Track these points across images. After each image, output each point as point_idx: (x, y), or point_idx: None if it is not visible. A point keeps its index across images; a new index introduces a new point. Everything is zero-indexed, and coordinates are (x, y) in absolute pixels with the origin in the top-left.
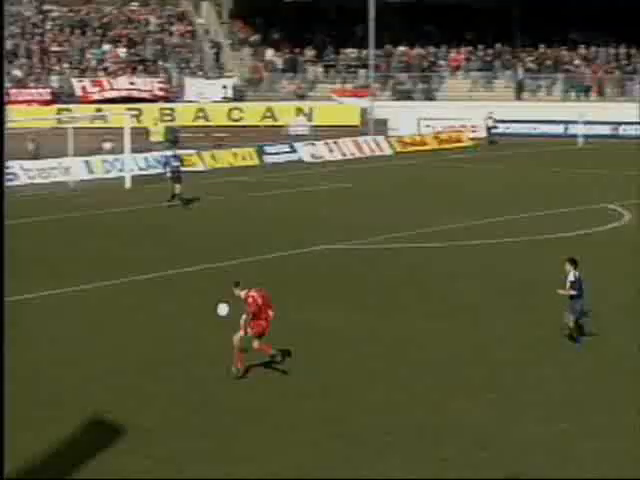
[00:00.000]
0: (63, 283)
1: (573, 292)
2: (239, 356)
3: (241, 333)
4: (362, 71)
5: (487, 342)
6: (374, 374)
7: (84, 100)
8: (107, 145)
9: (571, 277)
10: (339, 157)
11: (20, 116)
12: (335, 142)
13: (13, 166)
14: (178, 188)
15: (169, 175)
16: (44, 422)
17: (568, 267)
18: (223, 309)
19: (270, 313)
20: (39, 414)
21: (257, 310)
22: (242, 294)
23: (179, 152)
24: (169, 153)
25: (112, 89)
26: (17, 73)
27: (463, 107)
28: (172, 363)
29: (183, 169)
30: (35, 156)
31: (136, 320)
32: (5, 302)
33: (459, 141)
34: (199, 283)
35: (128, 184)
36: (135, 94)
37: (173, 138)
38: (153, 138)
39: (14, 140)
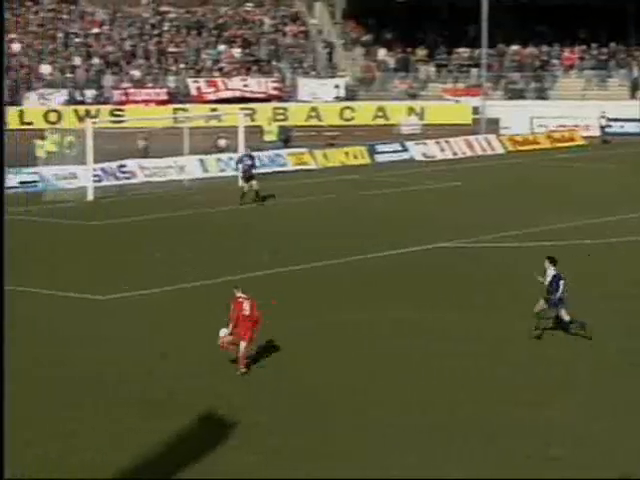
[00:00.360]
0: (174, 281)
1: (541, 279)
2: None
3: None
4: (474, 70)
5: (590, 346)
6: (479, 373)
7: (199, 100)
8: (222, 142)
9: (549, 274)
10: (450, 156)
11: (137, 115)
12: (446, 141)
13: (130, 164)
14: (253, 185)
15: (240, 174)
16: (154, 417)
17: (547, 264)
18: (223, 332)
19: (252, 325)
20: (149, 411)
21: (238, 317)
22: (237, 295)
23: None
24: (243, 153)
25: (227, 89)
26: (135, 73)
27: (576, 106)
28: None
29: (291, 167)
30: (145, 154)
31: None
32: (131, 297)
33: (572, 140)
34: (308, 281)
35: (241, 182)
36: (249, 94)
37: (285, 137)
38: (267, 137)
39: (126, 139)
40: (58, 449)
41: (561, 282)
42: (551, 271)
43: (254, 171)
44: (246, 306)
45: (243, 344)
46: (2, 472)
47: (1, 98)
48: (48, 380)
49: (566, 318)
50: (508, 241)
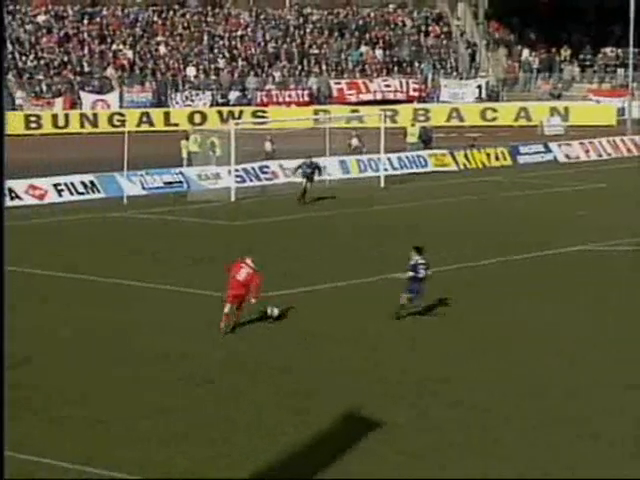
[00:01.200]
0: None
1: (411, 274)
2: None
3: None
4: (620, 70)
5: None
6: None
7: (341, 101)
8: (354, 141)
9: (412, 262)
10: (594, 157)
11: (279, 116)
12: (590, 142)
13: (272, 165)
14: (308, 186)
15: (301, 179)
16: (297, 412)
17: (412, 253)
18: (274, 311)
19: (245, 290)
20: (296, 404)
21: (232, 279)
22: (242, 261)
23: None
24: (303, 160)
25: (368, 91)
26: (278, 75)
27: None
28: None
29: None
30: (271, 156)
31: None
32: (291, 292)
33: None
34: (449, 282)
35: (382, 183)
36: (391, 96)
37: (427, 138)
38: (409, 139)
39: (257, 140)
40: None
41: None
42: (415, 259)
43: (316, 177)
44: (242, 272)
45: (229, 306)
46: (2, 472)
47: (1, 99)
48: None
49: (404, 301)
50: None
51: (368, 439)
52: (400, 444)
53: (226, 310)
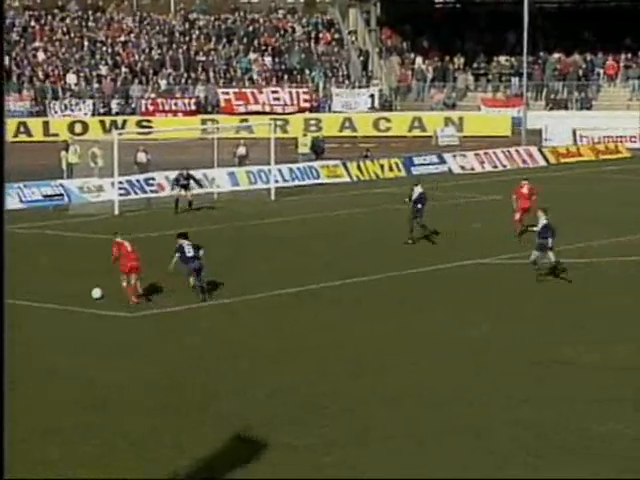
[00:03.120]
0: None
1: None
2: (129, 291)
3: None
4: (515, 79)
5: None
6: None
7: (229, 112)
8: (241, 150)
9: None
10: (489, 168)
11: (165, 126)
12: (485, 153)
13: (158, 177)
14: (188, 195)
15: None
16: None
17: (540, 214)
18: (96, 292)
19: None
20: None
21: (117, 255)
22: (117, 240)
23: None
24: (179, 172)
25: (256, 103)
26: (163, 82)
27: (621, 117)
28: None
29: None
30: (145, 168)
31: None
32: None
33: (617, 152)
34: (334, 298)
35: (273, 195)
36: (279, 110)
37: (318, 149)
38: (300, 149)
39: (154, 151)
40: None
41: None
42: (543, 220)
43: (193, 188)
44: (127, 245)
45: (134, 276)
46: (2, 472)
47: (1, 99)
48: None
49: (552, 259)
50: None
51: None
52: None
53: (124, 284)
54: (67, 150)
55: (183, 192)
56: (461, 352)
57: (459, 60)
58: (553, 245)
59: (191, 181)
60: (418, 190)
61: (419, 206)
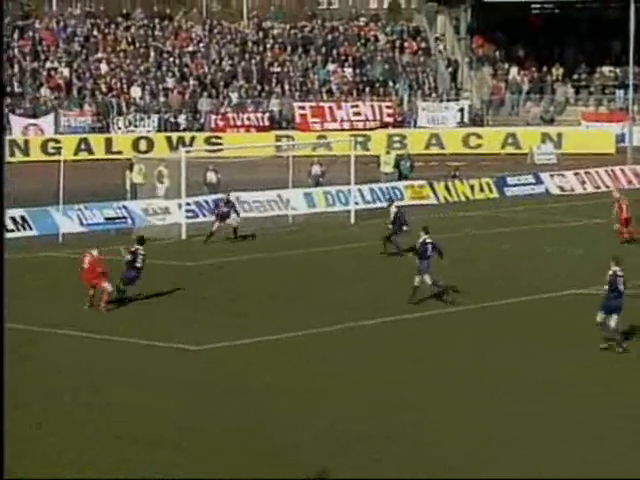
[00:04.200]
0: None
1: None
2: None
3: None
4: (619, 92)
5: None
6: None
7: (304, 129)
8: (316, 169)
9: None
10: (591, 189)
11: (236, 143)
12: (587, 172)
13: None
14: (232, 222)
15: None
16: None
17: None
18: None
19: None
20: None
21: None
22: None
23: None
24: (220, 196)
25: (334, 120)
26: (234, 96)
27: None
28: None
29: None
30: (215, 189)
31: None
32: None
33: None
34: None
35: (352, 219)
36: (360, 126)
37: (405, 169)
38: (383, 168)
39: (224, 170)
40: None
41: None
42: (423, 237)
43: (233, 215)
44: (86, 260)
45: (105, 285)
46: (2, 472)
47: (1, 100)
48: None
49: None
50: None
51: None
52: None
53: (90, 292)
54: (131, 169)
55: (219, 224)
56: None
57: (558, 71)
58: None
59: (231, 210)
60: (393, 210)
61: (404, 228)
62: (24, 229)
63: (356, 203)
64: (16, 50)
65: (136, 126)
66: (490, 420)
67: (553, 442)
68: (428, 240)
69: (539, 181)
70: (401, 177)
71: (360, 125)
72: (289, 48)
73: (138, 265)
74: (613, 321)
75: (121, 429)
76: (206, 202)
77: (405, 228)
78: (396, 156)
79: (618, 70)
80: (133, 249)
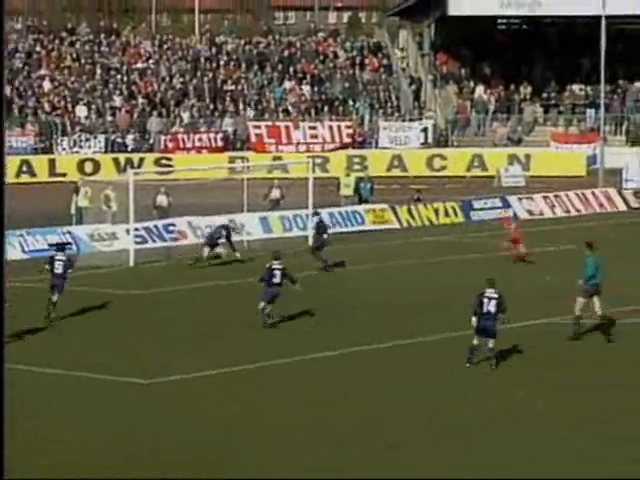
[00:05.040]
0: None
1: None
2: None
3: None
4: (590, 111)
5: None
6: None
7: (260, 148)
8: (275, 192)
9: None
10: (561, 214)
11: (188, 164)
12: (556, 196)
13: (179, 223)
14: (220, 253)
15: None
16: None
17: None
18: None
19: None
20: None
21: None
22: None
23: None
24: (220, 224)
25: (289, 143)
26: (186, 115)
27: None
28: None
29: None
30: (167, 213)
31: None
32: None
33: None
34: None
35: (310, 244)
36: (317, 148)
37: (366, 192)
38: (343, 191)
39: (175, 193)
40: None
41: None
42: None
43: (222, 241)
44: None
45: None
46: (2, 472)
47: (1, 102)
48: None
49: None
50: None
51: None
52: None
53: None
54: (77, 192)
55: (208, 251)
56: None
57: (526, 89)
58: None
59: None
60: (315, 220)
61: (324, 236)
62: None
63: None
64: None
65: (81, 147)
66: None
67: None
68: (276, 266)
69: (506, 205)
70: (361, 200)
71: (318, 146)
72: (244, 65)
73: (56, 271)
74: (491, 343)
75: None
76: (156, 227)
77: (325, 236)
78: (356, 178)
79: (589, 88)
80: (50, 255)
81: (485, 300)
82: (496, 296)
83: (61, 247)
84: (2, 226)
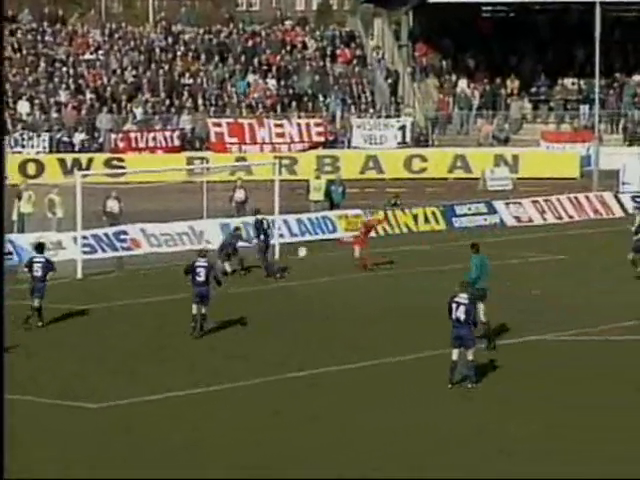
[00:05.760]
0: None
1: None
2: None
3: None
4: (584, 107)
5: None
6: None
7: (220, 151)
8: (240, 194)
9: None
10: (552, 220)
11: (141, 165)
12: (547, 200)
13: (132, 231)
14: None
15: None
16: None
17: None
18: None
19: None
20: None
21: None
22: None
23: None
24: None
25: (254, 142)
26: (139, 111)
27: None
28: None
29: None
30: (117, 219)
31: None
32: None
33: None
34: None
35: (277, 254)
36: (285, 146)
37: (337, 196)
38: (313, 196)
39: (128, 197)
40: None
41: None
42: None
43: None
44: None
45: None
46: (2, 472)
47: (1, 103)
48: None
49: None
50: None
51: None
52: None
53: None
54: (20, 197)
55: (229, 264)
56: None
57: (513, 83)
58: None
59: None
60: (253, 220)
61: (261, 237)
62: None
63: (281, 236)
64: None
65: (23, 146)
66: None
67: None
68: (200, 263)
69: (492, 210)
70: (333, 205)
71: (285, 146)
72: (203, 56)
73: (36, 274)
74: (470, 354)
75: None
76: (106, 235)
77: (262, 237)
78: (327, 181)
79: (582, 82)
80: (29, 258)
81: (454, 306)
82: (465, 302)
83: (39, 248)
84: (2, 226)
